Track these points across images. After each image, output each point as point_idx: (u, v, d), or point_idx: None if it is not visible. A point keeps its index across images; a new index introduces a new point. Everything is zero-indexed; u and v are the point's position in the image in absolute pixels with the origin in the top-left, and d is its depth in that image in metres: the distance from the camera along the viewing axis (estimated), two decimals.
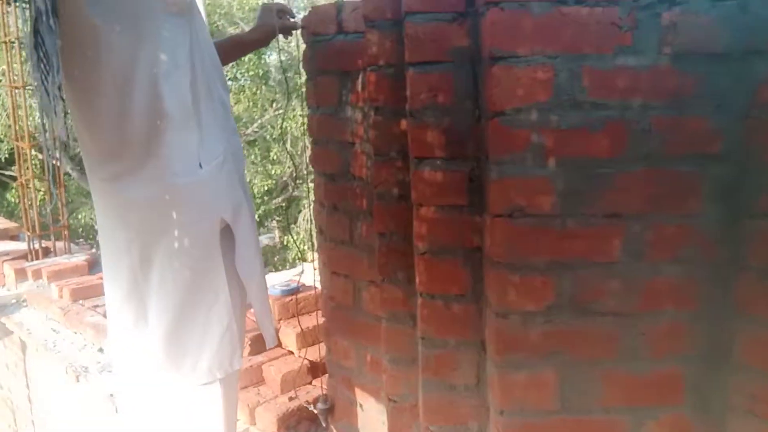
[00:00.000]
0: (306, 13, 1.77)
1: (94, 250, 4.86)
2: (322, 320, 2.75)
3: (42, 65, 1.37)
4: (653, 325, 1.18)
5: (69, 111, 1.45)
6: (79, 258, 4.44)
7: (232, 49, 1.77)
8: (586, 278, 1.17)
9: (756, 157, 1.11)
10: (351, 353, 1.80)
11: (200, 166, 1.49)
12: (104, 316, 3.52)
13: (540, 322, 1.18)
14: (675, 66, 1.11)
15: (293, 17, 1.80)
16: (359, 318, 1.75)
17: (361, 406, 1.80)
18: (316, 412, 2.01)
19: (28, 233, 4.58)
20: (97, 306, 3.65)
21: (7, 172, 13.35)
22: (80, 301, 3.74)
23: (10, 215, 11.77)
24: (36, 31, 1.38)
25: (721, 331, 1.17)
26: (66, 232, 4.72)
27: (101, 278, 3.98)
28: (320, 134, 1.79)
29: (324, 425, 2.03)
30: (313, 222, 2.04)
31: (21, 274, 4.30)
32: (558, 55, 1.11)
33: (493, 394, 1.24)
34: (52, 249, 4.69)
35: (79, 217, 12.98)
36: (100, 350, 3.28)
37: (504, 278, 1.18)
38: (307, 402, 2.30)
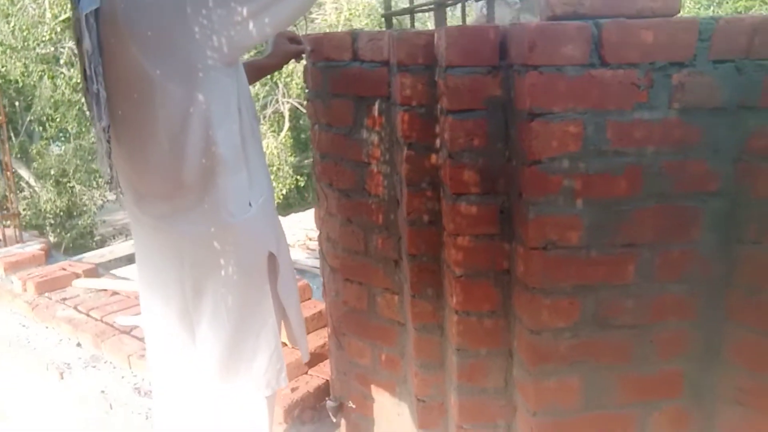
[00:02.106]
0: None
1: (48, 239, 4.77)
2: (311, 313, 2.90)
3: (93, 106, 1.45)
4: (660, 334, 1.40)
5: (113, 149, 1.51)
6: (35, 247, 4.38)
7: (251, 74, 1.84)
8: (605, 298, 1.37)
9: (745, 194, 1.33)
10: (366, 352, 1.96)
11: (250, 204, 1.59)
12: (76, 309, 3.54)
13: (567, 337, 1.38)
14: (682, 118, 1.31)
15: (302, 43, 1.89)
16: (374, 321, 1.91)
17: (375, 400, 1.98)
18: (327, 408, 2.17)
19: None
20: (65, 299, 3.65)
21: None
22: (46, 294, 3.72)
23: None
24: (85, 74, 1.44)
25: (714, 336, 1.40)
26: (17, 221, 4.61)
27: (64, 269, 3.97)
28: (332, 151, 1.91)
29: (334, 420, 2.20)
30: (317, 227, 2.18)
31: None
32: (587, 111, 1.28)
33: (527, 398, 1.44)
34: (1, 238, 4.59)
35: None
36: (79, 345, 3.30)
37: (538, 301, 1.37)
38: (308, 392, 2.47)
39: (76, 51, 1.51)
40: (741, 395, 1.39)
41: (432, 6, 1.80)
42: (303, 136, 14.74)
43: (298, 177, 13.69)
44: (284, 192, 13.05)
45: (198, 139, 1.47)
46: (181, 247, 1.59)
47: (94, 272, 3.95)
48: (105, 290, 3.68)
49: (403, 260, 1.76)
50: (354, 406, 2.10)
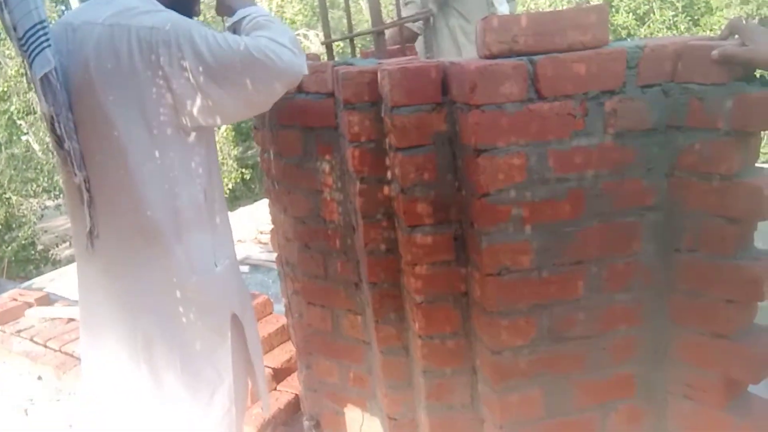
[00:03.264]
0: None
1: None
2: (269, 331, 2.93)
3: (68, 162, 1.45)
4: (611, 341, 1.49)
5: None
6: None
7: None
8: (559, 314, 1.46)
9: (679, 206, 1.42)
10: (334, 371, 2.02)
11: (215, 264, 1.62)
12: (32, 340, 3.49)
13: (526, 353, 1.47)
14: (617, 142, 1.39)
15: None
16: (339, 341, 1.96)
17: (347, 416, 2.04)
18: (305, 429, 2.22)
19: None
20: (20, 331, 3.59)
21: None
22: (0, 328, 3.65)
23: None
24: (54, 132, 1.44)
25: (661, 338, 1.51)
26: None
27: (15, 299, 3.89)
28: (285, 179, 1.94)
29: None
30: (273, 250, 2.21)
31: None
32: (529, 143, 1.35)
33: (493, 413, 1.52)
34: None
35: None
36: (40, 378, 3.27)
37: (496, 323, 1.44)
38: (279, 409, 2.51)
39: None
40: (689, 390, 1.50)
41: (371, 31, 1.83)
42: (243, 125, 14.57)
43: (243, 170, 13.56)
44: (230, 186, 12.92)
45: (162, 194, 1.49)
46: (136, 293, 1.58)
47: (46, 300, 3.88)
48: (60, 318, 3.63)
49: (362, 283, 1.81)
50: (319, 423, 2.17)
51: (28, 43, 1.34)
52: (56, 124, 1.41)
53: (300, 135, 1.83)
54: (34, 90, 1.38)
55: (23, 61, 1.38)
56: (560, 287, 1.45)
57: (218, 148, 12.35)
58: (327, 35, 1.90)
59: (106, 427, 1.73)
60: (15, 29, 1.33)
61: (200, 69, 1.44)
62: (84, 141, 1.47)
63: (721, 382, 1.44)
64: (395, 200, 1.54)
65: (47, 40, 1.36)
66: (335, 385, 2.04)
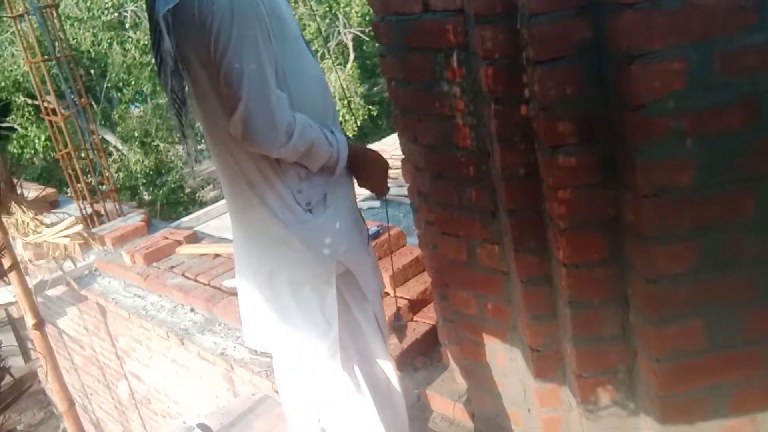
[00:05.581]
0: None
1: (143, 210, 4.99)
2: (403, 263, 2.92)
3: (176, 104, 1.48)
4: None
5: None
6: (136, 219, 4.59)
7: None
8: (725, 237, 1.30)
9: None
10: (471, 302, 1.97)
11: (311, 212, 1.67)
12: (184, 276, 3.71)
13: (687, 281, 1.33)
14: None
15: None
16: (476, 271, 1.90)
17: (487, 347, 1.99)
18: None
19: (81, 202, 4.69)
20: (172, 267, 3.83)
21: (3, 124, 13.26)
22: (154, 264, 3.91)
23: (17, 168, 11.91)
24: (163, 72, 1.47)
25: None
26: (116, 196, 4.83)
27: (166, 238, 4.15)
28: (413, 106, 1.86)
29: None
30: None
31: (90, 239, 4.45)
32: (690, 43, 1.18)
33: (648, 345, 1.41)
34: (103, 212, 4.82)
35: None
36: (192, 310, 3.48)
37: (652, 249, 1.31)
38: (417, 339, 2.52)
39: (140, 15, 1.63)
40: None
41: None
42: (368, 62, 14.57)
43: (371, 107, 13.62)
44: (359, 124, 13.06)
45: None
46: (252, 233, 1.71)
47: (194, 237, 4.12)
48: (207, 255, 3.84)
49: (500, 211, 1.73)
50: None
51: None
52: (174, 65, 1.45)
53: (429, 58, 1.74)
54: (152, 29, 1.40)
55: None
56: (727, 207, 1.29)
57: (345, 86, 12.49)
58: None
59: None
60: None
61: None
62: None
63: None
64: (534, 120, 1.43)
65: None
66: (473, 316, 1.99)
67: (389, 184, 1.94)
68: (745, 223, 1.30)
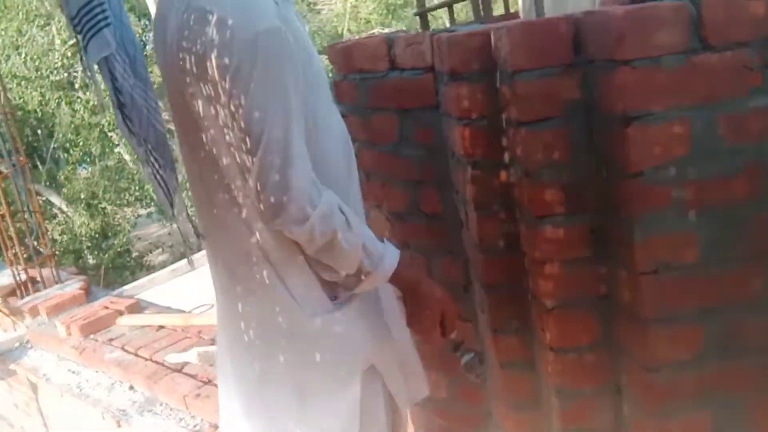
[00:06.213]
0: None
1: (83, 276, 4.68)
2: None
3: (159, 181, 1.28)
4: None
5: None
6: (74, 286, 4.28)
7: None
8: (732, 320, 1.16)
9: None
10: (442, 384, 1.78)
11: (332, 299, 1.31)
12: (123, 349, 3.43)
13: (691, 369, 1.18)
14: None
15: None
16: (447, 352, 1.72)
17: None
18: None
19: (15, 267, 4.36)
20: (111, 339, 3.54)
21: None
22: (92, 336, 3.62)
23: None
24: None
25: None
26: (53, 261, 4.52)
27: (106, 307, 3.87)
28: (378, 170, 1.72)
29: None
30: None
31: (16, 312, 4.13)
32: (693, 106, 1.07)
33: None
34: (39, 279, 4.49)
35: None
36: (131, 388, 3.19)
37: (652, 333, 1.16)
38: None
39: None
40: None
41: None
42: None
43: None
44: None
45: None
46: (246, 322, 1.35)
47: (137, 307, 3.84)
48: (150, 326, 3.56)
49: (473, 285, 1.57)
50: None
51: (82, 23, 1.17)
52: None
53: (395, 119, 1.61)
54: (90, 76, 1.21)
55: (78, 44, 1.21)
56: (734, 286, 1.15)
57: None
58: (421, 4, 1.67)
59: None
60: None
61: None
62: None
63: None
64: (517, 187, 1.29)
65: (105, 18, 1.17)
66: (443, 401, 1.80)
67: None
68: (753, 304, 1.16)
